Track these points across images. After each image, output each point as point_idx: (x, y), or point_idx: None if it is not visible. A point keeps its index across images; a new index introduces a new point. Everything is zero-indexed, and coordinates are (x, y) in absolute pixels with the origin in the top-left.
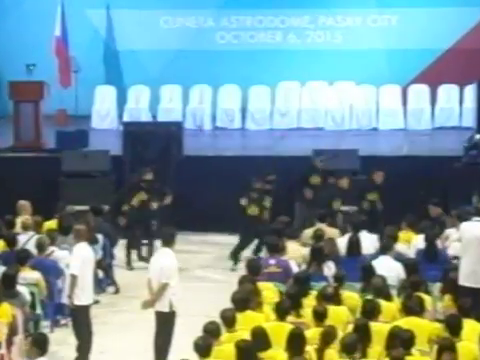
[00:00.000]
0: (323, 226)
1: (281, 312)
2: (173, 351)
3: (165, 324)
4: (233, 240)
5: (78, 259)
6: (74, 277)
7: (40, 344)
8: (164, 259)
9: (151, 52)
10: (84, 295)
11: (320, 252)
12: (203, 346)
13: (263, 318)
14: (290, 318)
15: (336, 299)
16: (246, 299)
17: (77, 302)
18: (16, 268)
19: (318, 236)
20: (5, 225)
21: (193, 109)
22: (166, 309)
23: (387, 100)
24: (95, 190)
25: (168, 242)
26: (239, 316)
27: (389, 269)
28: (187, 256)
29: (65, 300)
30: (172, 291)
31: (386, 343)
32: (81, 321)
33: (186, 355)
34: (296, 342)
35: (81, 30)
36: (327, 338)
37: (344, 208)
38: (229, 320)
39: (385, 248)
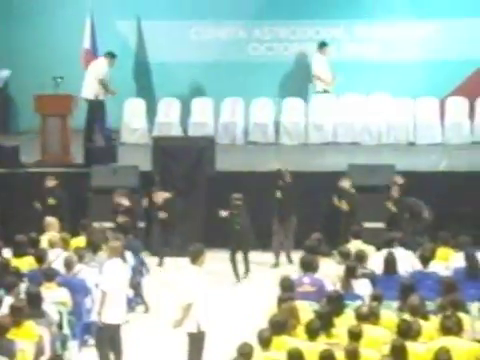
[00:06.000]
0: (358, 243)
1: (312, 332)
2: None
3: (194, 345)
4: (266, 257)
5: (110, 275)
6: (104, 293)
7: None
8: (189, 278)
9: (182, 64)
10: (114, 313)
11: (355, 270)
12: None
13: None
14: (322, 338)
15: (372, 318)
16: (284, 323)
17: (106, 320)
18: (39, 285)
19: (346, 254)
20: (29, 243)
21: (225, 123)
22: (194, 330)
23: (424, 113)
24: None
25: (195, 259)
26: (274, 339)
27: None
28: (218, 275)
29: (94, 318)
30: (199, 311)
31: None
32: (106, 339)
33: None
34: None
35: (111, 42)
36: (351, 357)
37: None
38: (265, 341)
39: None
